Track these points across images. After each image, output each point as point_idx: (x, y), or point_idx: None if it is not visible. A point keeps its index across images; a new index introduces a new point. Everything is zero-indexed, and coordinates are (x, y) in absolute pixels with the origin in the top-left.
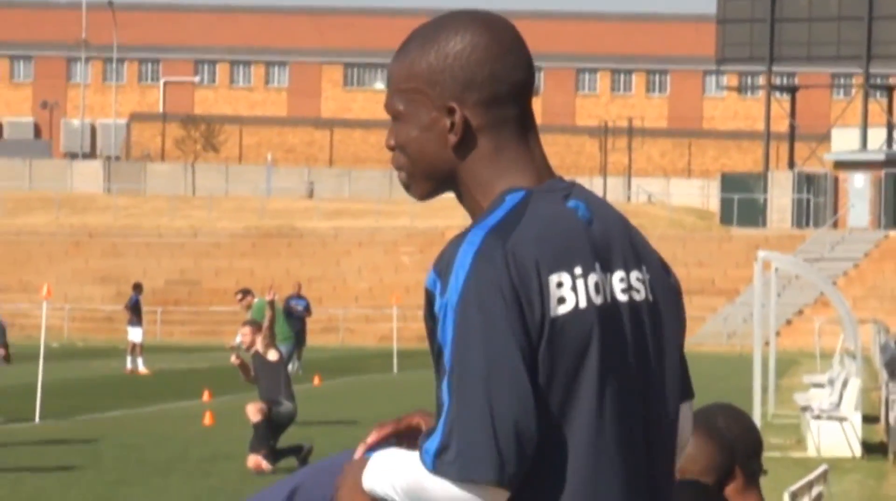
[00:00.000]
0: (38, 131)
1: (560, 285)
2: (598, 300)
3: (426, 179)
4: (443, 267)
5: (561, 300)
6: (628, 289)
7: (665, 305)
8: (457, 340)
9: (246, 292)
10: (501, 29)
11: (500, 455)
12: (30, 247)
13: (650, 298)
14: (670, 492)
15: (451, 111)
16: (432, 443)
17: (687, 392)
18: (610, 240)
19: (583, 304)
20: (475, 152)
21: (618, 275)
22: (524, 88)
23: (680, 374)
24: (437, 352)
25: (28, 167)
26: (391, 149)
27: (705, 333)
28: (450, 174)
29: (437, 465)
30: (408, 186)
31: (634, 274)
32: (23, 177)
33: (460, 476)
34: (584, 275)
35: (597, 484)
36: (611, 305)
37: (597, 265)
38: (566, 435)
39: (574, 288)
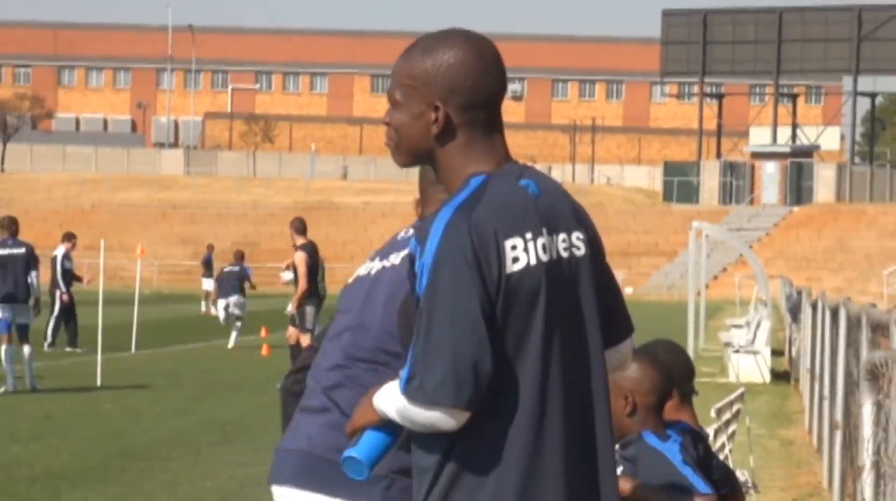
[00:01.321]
0: (134, 127)
1: (514, 247)
2: (545, 258)
3: (407, 154)
4: (421, 236)
5: (515, 260)
6: (569, 247)
7: (596, 259)
8: (428, 292)
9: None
10: (486, 51)
11: (458, 384)
12: (128, 216)
13: (588, 253)
14: (608, 413)
15: (436, 108)
16: (404, 373)
17: (628, 329)
18: (555, 209)
19: (533, 262)
20: (451, 143)
21: (561, 237)
22: (495, 98)
23: (621, 313)
24: (416, 302)
25: (126, 155)
26: (386, 125)
27: (650, 285)
28: (428, 155)
29: (407, 390)
30: (394, 156)
31: (575, 234)
32: (122, 162)
33: (425, 401)
34: (534, 239)
35: (545, 410)
36: (556, 261)
37: (544, 230)
38: (519, 371)
39: (526, 250)
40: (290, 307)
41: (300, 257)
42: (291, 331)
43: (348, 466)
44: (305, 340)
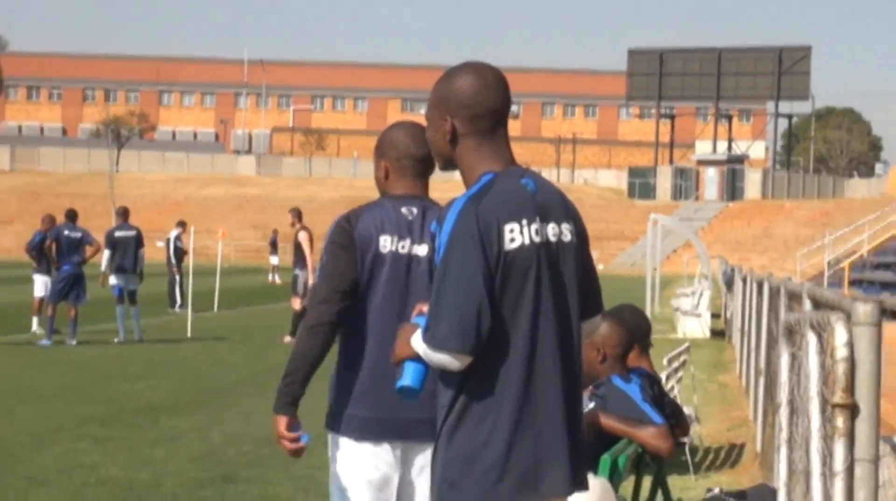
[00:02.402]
0: (217, 138)
1: (512, 230)
2: (537, 240)
3: (438, 158)
4: (441, 219)
5: (512, 240)
6: (558, 234)
7: (583, 247)
8: (442, 263)
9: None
10: (487, 75)
11: (462, 334)
12: (211, 207)
13: (575, 240)
14: (579, 365)
15: (446, 117)
16: (423, 324)
17: (598, 308)
18: (548, 204)
19: (527, 242)
20: (461, 147)
21: (551, 225)
22: (498, 111)
23: (595, 295)
24: (434, 273)
25: (211, 160)
26: (426, 138)
27: (617, 263)
28: (450, 159)
29: (424, 337)
30: (435, 161)
31: (564, 225)
32: (208, 165)
33: (437, 346)
34: (529, 224)
35: (533, 358)
36: (546, 243)
37: (537, 218)
38: (513, 328)
39: (521, 233)
40: (308, 278)
41: (304, 236)
42: (294, 300)
43: (403, 393)
44: (296, 302)
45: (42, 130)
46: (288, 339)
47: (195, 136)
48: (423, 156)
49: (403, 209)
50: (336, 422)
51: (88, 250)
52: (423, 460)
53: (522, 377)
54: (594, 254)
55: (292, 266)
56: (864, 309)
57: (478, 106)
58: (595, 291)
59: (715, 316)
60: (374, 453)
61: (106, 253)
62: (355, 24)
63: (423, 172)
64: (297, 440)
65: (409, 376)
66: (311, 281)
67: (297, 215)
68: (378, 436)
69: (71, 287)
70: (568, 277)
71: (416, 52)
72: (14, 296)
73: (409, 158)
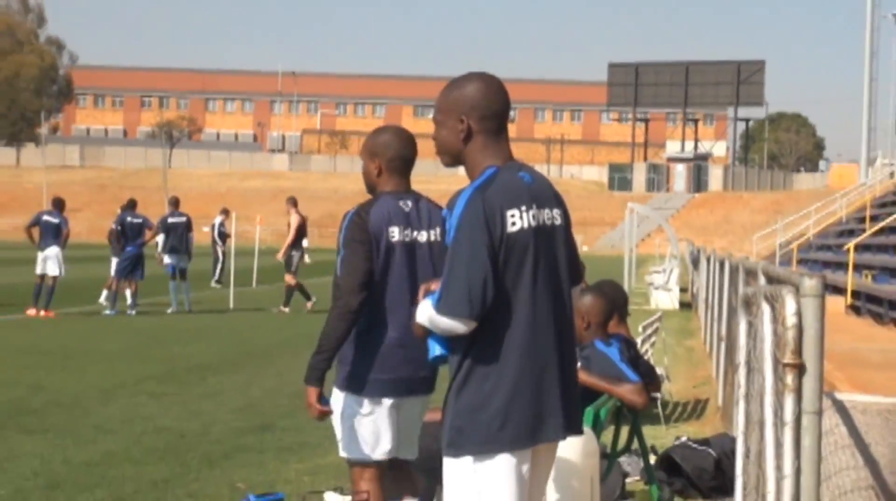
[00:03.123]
0: (255, 138)
1: (513, 215)
2: (534, 224)
3: (447, 156)
4: (451, 205)
5: (513, 224)
6: (551, 218)
7: (567, 228)
8: (453, 243)
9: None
10: (492, 83)
11: (470, 302)
12: (251, 197)
13: (562, 223)
14: (572, 328)
15: (462, 121)
16: (436, 294)
17: (579, 278)
18: (542, 193)
19: (525, 226)
20: (472, 144)
21: (545, 211)
22: (501, 114)
23: (577, 267)
24: (446, 249)
25: (250, 157)
26: (434, 139)
27: (599, 245)
28: (459, 155)
29: (437, 307)
30: (441, 159)
31: (556, 211)
32: (247, 162)
33: (447, 313)
34: (527, 211)
35: (533, 324)
36: (541, 226)
37: (534, 205)
38: (514, 298)
39: (521, 218)
40: (280, 254)
41: (295, 219)
42: (288, 276)
43: (436, 362)
44: (290, 279)
45: (106, 132)
46: (284, 309)
47: (236, 137)
48: (412, 156)
49: (400, 203)
50: (353, 384)
51: (147, 233)
52: (415, 406)
53: (523, 338)
54: (579, 238)
55: (288, 248)
56: (810, 283)
57: (486, 108)
58: (577, 264)
59: (683, 290)
60: (380, 404)
61: (160, 236)
62: (374, 40)
63: (409, 170)
64: (324, 409)
65: (435, 347)
66: (282, 256)
67: (293, 202)
68: (387, 393)
69: (133, 266)
70: (559, 253)
71: (425, 65)
72: (86, 273)
73: (400, 159)
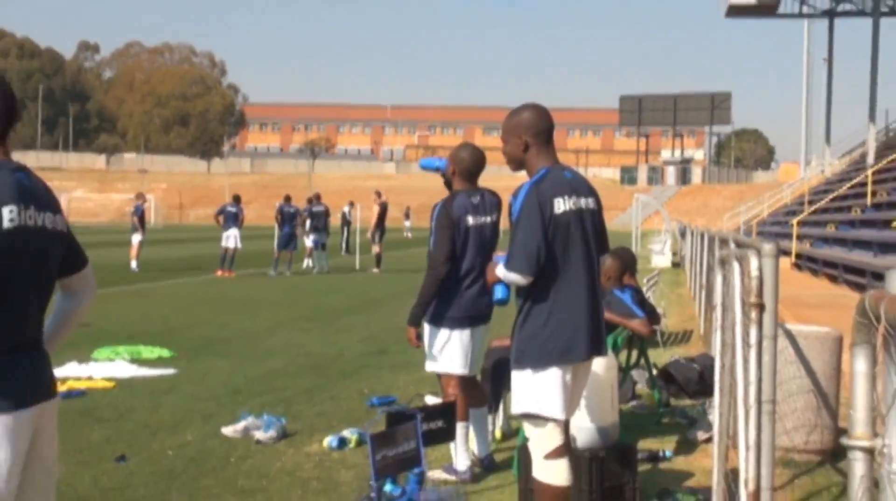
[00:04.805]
0: (372, 152)
1: (558, 202)
2: (573, 208)
3: (513, 163)
4: (515, 194)
5: (559, 207)
6: (587, 204)
7: (599, 212)
8: (517, 221)
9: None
10: (541, 109)
11: (528, 263)
12: (368, 193)
13: (595, 208)
14: (599, 282)
15: (520, 138)
16: (506, 257)
17: (605, 250)
18: (580, 186)
19: (567, 209)
20: (529, 154)
21: (582, 199)
22: (548, 130)
23: (605, 243)
24: (511, 227)
25: (368, 165)
26: (503, 152)
27: (614, 224)
28: (522, 162)
29: (506, 265)
30: (509, 165)
31: (590, 199)
32: (367, 169)
33: (514, 269)
34: (568, 198)
35: (573, 278)
36: (578, 209)
37: (574, 195)
38: (560, 260)
39: (564, 203)
40: (369, 232)
41: (377, 208)
42: (375, 247)
43: (498, 304)
44: (376, 248)
45: (268, 149)
46: (375, 270)
47: (359, 152)
48: (481, 167)
49: (472, 198)
50: (439, 320)
51: (300, 218)
52: (479, 332)
53: (565, 288)
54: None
55: (374, 225)
56: (768, 247)
57: (537, 127)
58: (605, 237)
59: (674, 254)
60: (461, 331)
61: (308, 221)
62: (454, 79)
63: (478, 175)
64: (420, 340)
65: (499, 292)
66: (370, 234)
67: (378, 194)
68: (462, 325)
69: (289, 241)
70: (591, 229)
71: (491, 97)
72: (255, 247)
73: (475, 167)
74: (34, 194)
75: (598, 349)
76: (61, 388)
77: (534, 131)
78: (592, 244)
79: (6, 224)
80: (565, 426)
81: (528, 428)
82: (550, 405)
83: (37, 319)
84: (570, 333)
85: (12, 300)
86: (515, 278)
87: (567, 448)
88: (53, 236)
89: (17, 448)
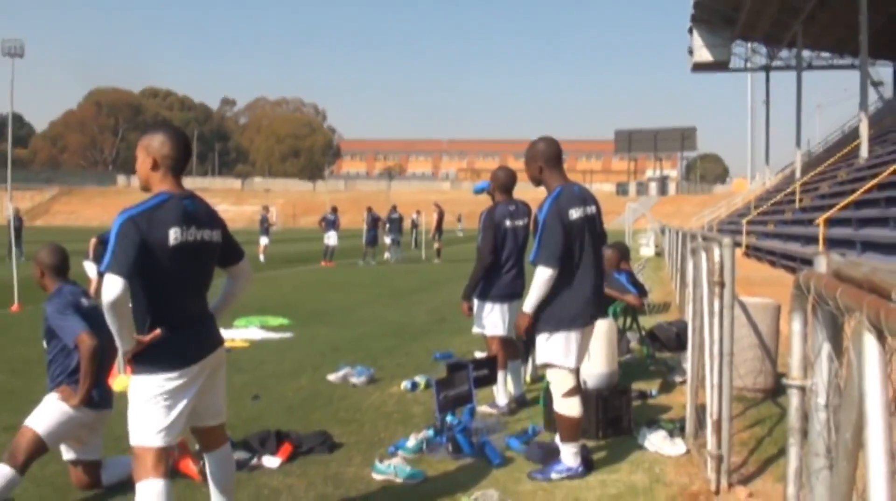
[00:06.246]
0: (433, 174)
1: (573, 212)
2: (582, 215)
3: (533, 180)
4: (540, 207)
5: (572, 215)
6: (592, 211)
7: (600, 216)
8: (544, 226)
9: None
10: (552, 141)
11: (553, 257)
12: (430, 203)
13: (597, 212)
14: (602, 266)
15: (536, 161)
16: (533, 254)
17: (605, 240)
18: (586, 196)
19: (578, 216)
20: (545, 175)
21: (588, 207)
22: (558, 156)
23: (602, 233)
24: (536, 231)
25: (429, 184)
26: (526, 173)
27: (612, 225)
28: (539, 181)
29: (533, 260)
30: (531, 182)
31: (593, 206)
32: (428, 186)
33: (543, 263)
34: (579, 208)
35: (584, 265)
36: (586, 215)
37: (582, 205)
38: (577, 252)
39: (577, 212)
40: (431, 234)
41: (436, 215)
42: (436, 244)
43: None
44: (438, 244)
45: (357, 173)
46: (437, 261)
47: (423, 174)
48: (514, 183)
49: (509, 207)
50: (484, 295)
51: (380, 223)
52: (515, 305)
53: (577, 273)
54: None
55: (434, 227)
56: (726, 240)
57: (548, 154)
58: (604, 234)
59: (656, 247)
60: (501, 304)
61: (387, 224)
62: (495, 117)
63: (512, 188)
64: (470, 311)
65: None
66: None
67: (436, 204)
68: (501, 300)
69: (373, 239)
70: (596, 230)
71: (520, 131)
72: (347, 244)
73: (509, 183)
74: (196, 216)
75: (598, 316)
76: None
77: (545, 157)
78: (597, 240)
79: (172, 242)
80: (576, 372)
81: (549, 374)
82: (565, 357)
83: (199, 301)
84: (580, 305)
85: (176, 295)
86: (545, 270)
87: (578, 389)
88: (209, 246)
89: (188, 394)
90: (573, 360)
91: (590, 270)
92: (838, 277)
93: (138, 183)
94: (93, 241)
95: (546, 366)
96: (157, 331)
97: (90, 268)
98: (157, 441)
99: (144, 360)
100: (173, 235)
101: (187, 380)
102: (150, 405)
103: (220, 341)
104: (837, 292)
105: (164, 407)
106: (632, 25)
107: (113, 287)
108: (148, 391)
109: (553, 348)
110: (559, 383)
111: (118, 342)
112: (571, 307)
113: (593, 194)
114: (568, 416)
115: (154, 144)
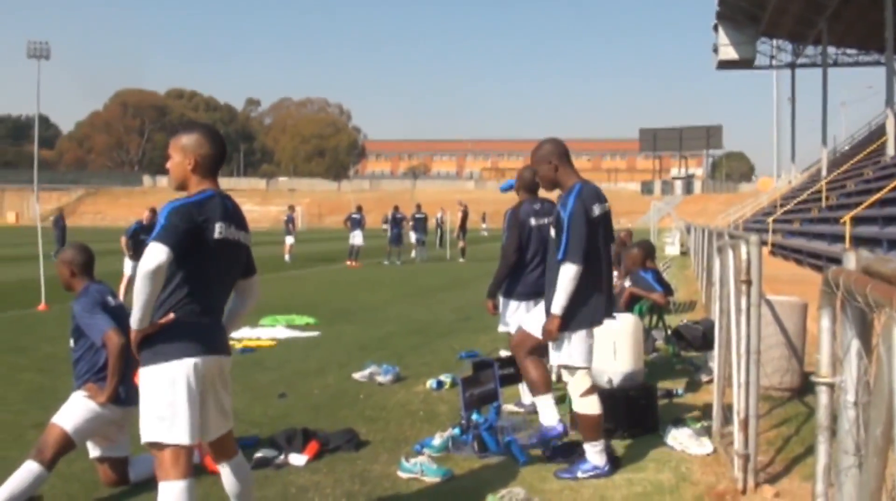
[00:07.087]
0: (457, 174)
1: (595, 208)
2: (602, 212)
3: (546, 183)
4: (562, 205)
5: (595, 212)
6: (608, 208)
7: (610, 212)
8: (570, 223)
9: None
10: (557, 139)
11: (579, 253)
12: (454, 202)
13: (609, 211)
14: (611, 262)
15: (549, 162)
16: (561, 251)
17: (613, 238)
18: (601, 195)
19: (599, 213)
20: (559, 173)
21: (605, 204)
22: (567, 153)
23: (612, 230)
24: (558, 230)
25: (453, 183)
26: (538, 176)
27: (638, 223)
28: (554, 181)
29: (565, 258)
30: (543, 186)
31: (607, 204)
32: (453, 185)
33: (568, 260)
34: (600, 205)
35: (600, 260)
36: (604, 213)
37: (601, 202)
38: (598, 248)
39: (597, 209)
40: (455, 233)
41: (461, 214)
42: (460, 242)
43: None
44: (461, 243)
45: (382, 172)
46: (461, 260)
47: (448, 173)
48: (536, 184)
49: (534, 205)
50: (510, 293)
51: (405, 222)
52: (539, 303)
53: (594, 271)
54: (629, 223)
55: (459, 226)
56: (753, 238)
57: (559, 152)
58: (612, 231)
59: (682, 245)
60: (526, 303)
61: (412, 223)
62: (518, 117)
63: (537, 189)
64: (495, 309)
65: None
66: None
67: (460, 202)
68: (526, 298)
69: (398, 239)
70: (608, 225)
71: (542, 131)
72: (373, 243)
73: (534, 183)
74: (235, 215)
75: (609, 315)
76: (238, 346)
77: (558, 155)
78: (609, 237)
79: (216, 235)
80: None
81: (565, 375)
82: (585, 358)
83: (224, 297)
84: (595, 305)
85: (211, 286)
86: (572, 267)
87: (595, 386)
88: (243, 247)
89: (195, 389)
90: (591, 359)
91: (603, 268)
92: (868, 273)
93: (171, 183)
94: (123, 240)
95: (564, 367)
96: (171, 315)
97: (129, 266)
98: (169, 437)
99: (153, 347)
100: (218, 228)
101: (195, 374)
102: (158, 397)
103: (229, 350)
104: (867, 288)
105: (172, 401)
106: (656, 23)
107: (157, 255)
108: (156, 381)
109: (574, 349)
110: (578, 383)
111: (134, 317)
112: (591, 306)
113: (603, 192)
114: (589, 414)
115: (192, 144)
